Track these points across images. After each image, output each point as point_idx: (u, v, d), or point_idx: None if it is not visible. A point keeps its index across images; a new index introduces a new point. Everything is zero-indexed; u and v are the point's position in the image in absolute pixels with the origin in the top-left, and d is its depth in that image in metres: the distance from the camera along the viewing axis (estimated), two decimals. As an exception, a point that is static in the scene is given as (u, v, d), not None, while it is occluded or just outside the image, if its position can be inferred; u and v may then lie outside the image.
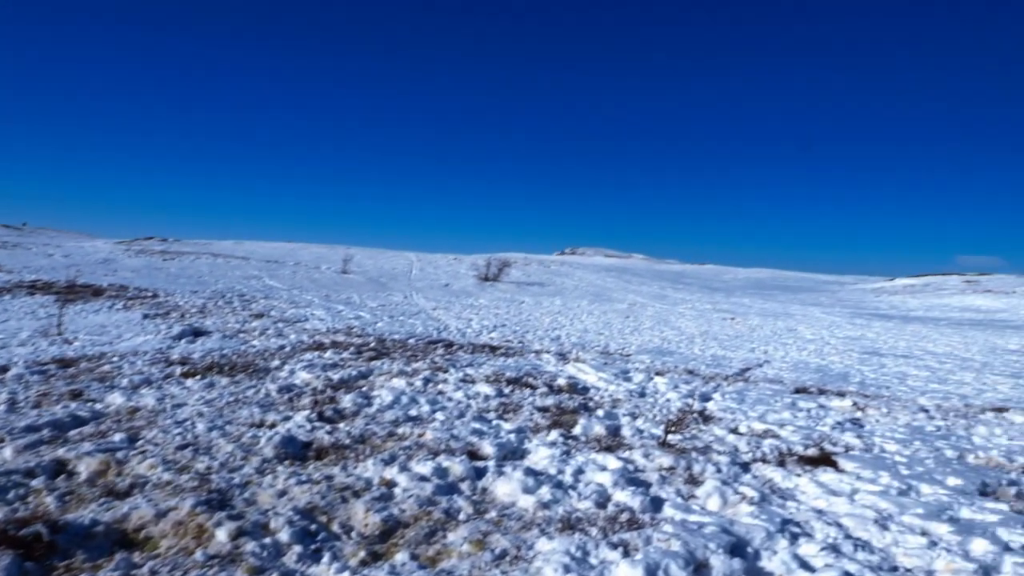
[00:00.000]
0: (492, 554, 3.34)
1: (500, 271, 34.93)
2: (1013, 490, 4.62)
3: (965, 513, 4.08)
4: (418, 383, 7.22)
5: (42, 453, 4.43)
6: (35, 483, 3.92)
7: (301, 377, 7.33)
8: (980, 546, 3.54)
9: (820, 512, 4.08)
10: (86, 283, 18.14)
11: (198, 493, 3.80)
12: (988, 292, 48.08)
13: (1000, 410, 7.74)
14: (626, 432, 5.87)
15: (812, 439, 5.84)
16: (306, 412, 5.74)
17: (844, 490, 4.47)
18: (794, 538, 3.63)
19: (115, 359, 8.09)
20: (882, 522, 3.89)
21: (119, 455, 4.38)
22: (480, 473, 4.46)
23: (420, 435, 5.34)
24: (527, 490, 4.17)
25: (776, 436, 5.96)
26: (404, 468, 4.40)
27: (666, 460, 4.90)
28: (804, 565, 3.34)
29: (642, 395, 7.65)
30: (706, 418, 6.60)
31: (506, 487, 4.22)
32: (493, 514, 3.88)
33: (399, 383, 7.17)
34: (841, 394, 8.49)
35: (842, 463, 5.08)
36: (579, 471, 4.61)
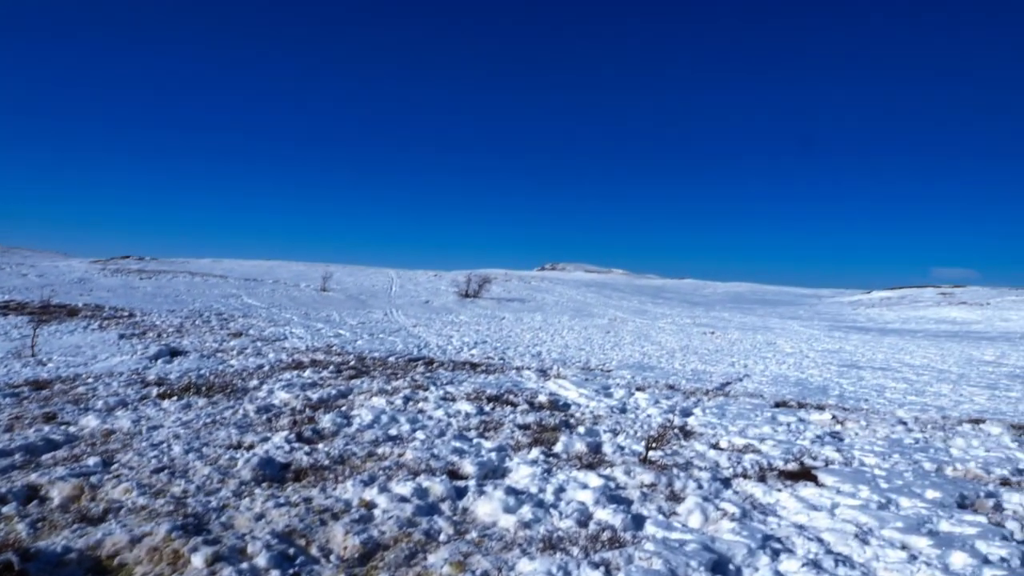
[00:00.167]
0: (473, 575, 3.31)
1: (480, 287, 34.97)
2: (991, 502, 4.65)
3: (944, 526, 4.10)
4: (398, 402, 7.17)
5: (14, 478, 4.34)
6: (6, 510, 3.84)
7: (280, 397, 7.25)
8: (959, 559, 3.56)
9: (801, 527, 4.08)
10: (61, 303, 17.89)
11: (174, 518, 3.74)
12: (963, 304, 48.95)
13: (977, 421, 7.83)
14: (607, 449, 5.86)
15: (792, 453, 5.86)
16: (284, 433, 5.67)
17: (824, 505, 4.49)
18: (775, 554, 3.63)
19: (90, 380, 7.96)
20: (862, 536, 3.90)
21: (93, 479, 4.29)
22: (461, 493, 4.42)
23: (400, 455, 5.29)
24: (508, 509, 4.13)
25: (757, 451, 5.97)
26: (384, 489, 4.35)
27: (647, 477, 4.89)
28: (786, 581, 3.34)
29: (623, 411, 7.65)
30: (687, 433, 6.61)
31: (487, 507, 4.19)
32: (474, 534, 3.84)
33: (379, 402, 7.11)
34: (820, 407, 8.55)
35: (822, 477, 5.10)
36: (560, 489, 4.58)
